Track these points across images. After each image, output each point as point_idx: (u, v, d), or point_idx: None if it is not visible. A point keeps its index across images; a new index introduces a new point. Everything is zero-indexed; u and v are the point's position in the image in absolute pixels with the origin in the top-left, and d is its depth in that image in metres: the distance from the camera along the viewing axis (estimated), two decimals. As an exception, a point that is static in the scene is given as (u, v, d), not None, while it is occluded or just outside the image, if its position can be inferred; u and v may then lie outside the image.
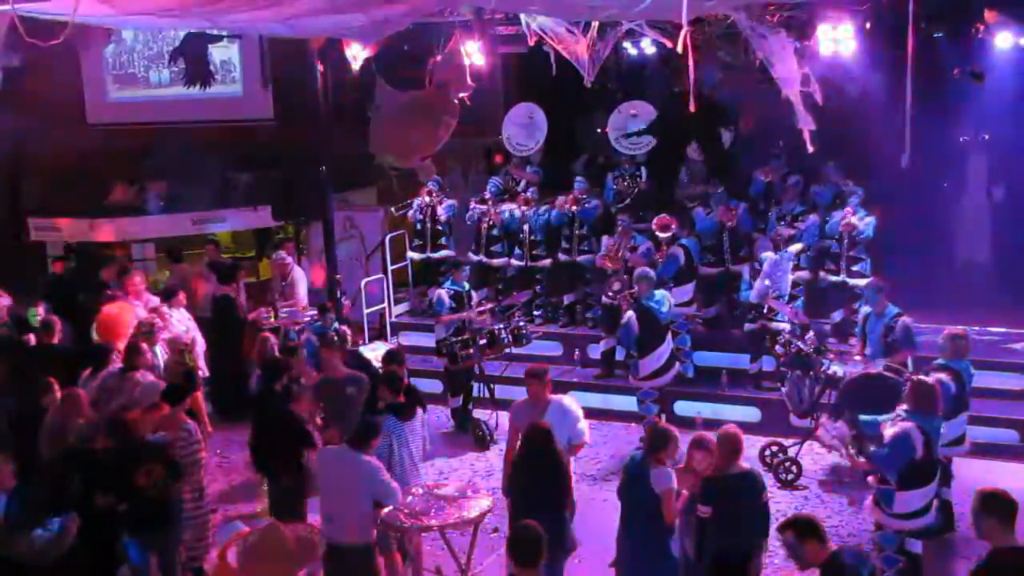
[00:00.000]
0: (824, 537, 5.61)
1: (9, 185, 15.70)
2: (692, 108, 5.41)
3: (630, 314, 10.71)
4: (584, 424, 8.05)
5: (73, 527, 6.81)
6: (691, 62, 5.03)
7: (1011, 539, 5.46)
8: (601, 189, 13.67)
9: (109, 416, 7.91)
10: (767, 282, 11.03)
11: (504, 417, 11.53)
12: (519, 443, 7.53)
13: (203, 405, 10.31)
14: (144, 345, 9.72)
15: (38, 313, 11.08)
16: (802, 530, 5.60)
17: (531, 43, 10.51)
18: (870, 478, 7.66)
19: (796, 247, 11.62)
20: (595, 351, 12.64)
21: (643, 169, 13.58)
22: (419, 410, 8.24)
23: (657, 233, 11.90)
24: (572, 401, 8.24)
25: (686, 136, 13.35)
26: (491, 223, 13.49)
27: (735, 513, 6.66)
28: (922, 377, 7.81)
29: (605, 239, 12.38)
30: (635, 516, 6.93)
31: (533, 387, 8.07)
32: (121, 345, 9.89)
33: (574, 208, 12.94)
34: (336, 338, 10.93)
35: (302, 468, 8.46)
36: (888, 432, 7.32)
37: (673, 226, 11.90)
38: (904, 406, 7.43)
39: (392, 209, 14.29)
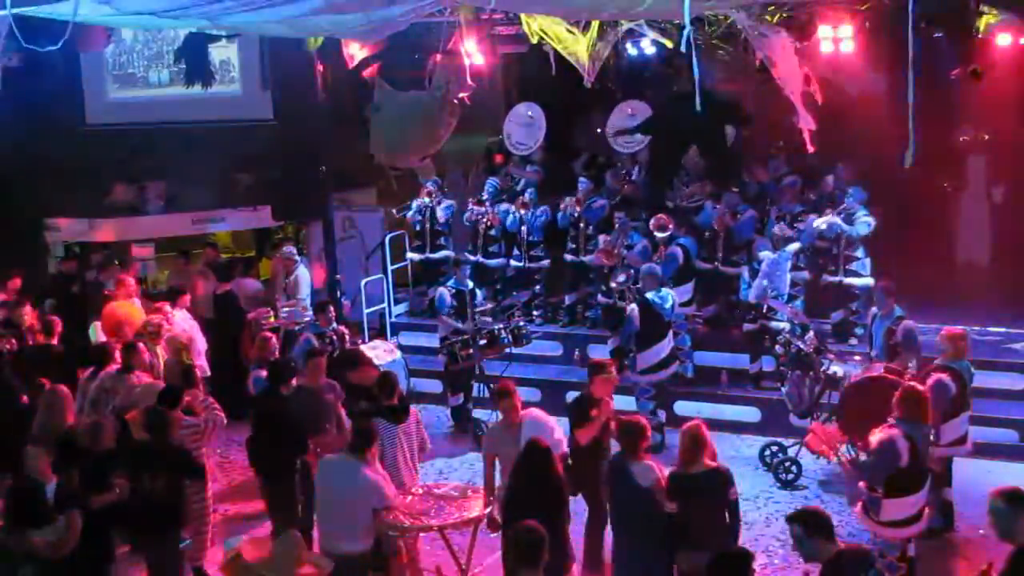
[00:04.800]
0: (832, 535, 5.60)
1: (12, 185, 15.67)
2: (699, 107, 5.41)
3: (633, 307, 10.79)
4: (560, 433, 7.84)
5: (77, 523, 6.84)
6: (694, 61, 5.02)
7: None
8: (598, 188, 13.70)
9: (150, 409, 7.92)
10: (765, 282, 11.04)
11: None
12: (517, 463, 7.29)
13: (200, 402, 10.23)
14: (142, 345, 9.71)
15: (26, 314, 11.03)
16: (812, 525, 5.59)
17: (532, 43, 10.51)
18: (860, 484, 7.64)
19: (793, 247, 11.63)
20: (601, 351, 12.60)
21: (637, 167, 13.58)
22: (413, 411, 8.23)
23: (655, 233, 11.92)
24: (543, 413, 8.01)
25: (687, 136, 13.35)
26: (488, 224, 13.49)
27: (701, 511, 6.65)
28: (912, 384, 7.79)
29: (602, 237, 12.39)
30: (625, 516, 6.92)
31: (504, 405, 7.88)
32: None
33: (578, 209, 12.94)
34: (334, 338, 10.94)
35: (299, 472, 8.46)
36: (874, 439, 7.32)
37: (670, 226, 11.91)
38: (894, 413, 7.42)
39: (393, 211, 14.29)
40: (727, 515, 6.76)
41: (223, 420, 8.65)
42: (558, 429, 7.88)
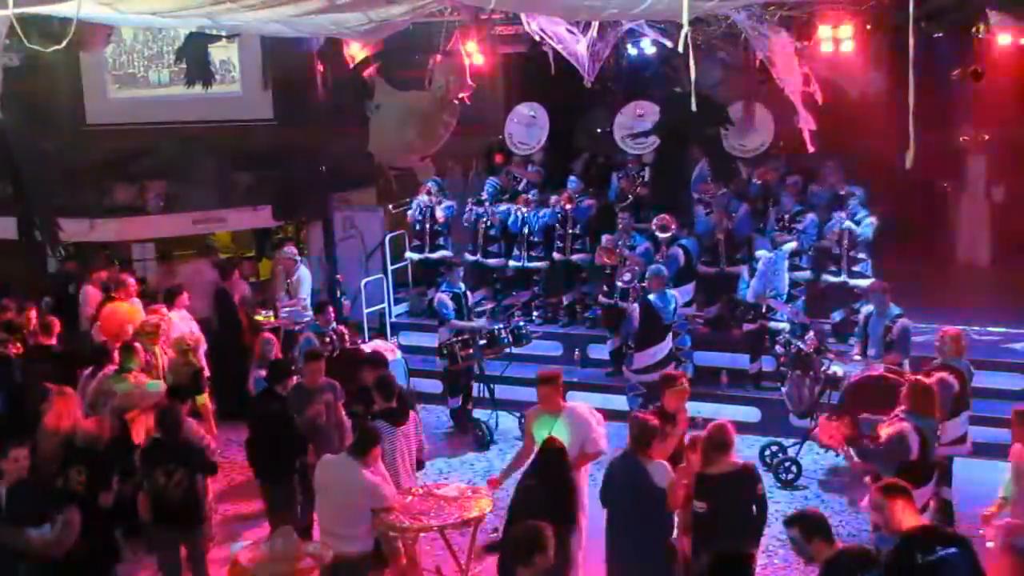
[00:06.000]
0: (830, 536, 5.61)
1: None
2: (694, 107, 5.42)
3: (634, 306, 10.84)
4: (600, 431, 7.85)
5: (75, 521, 6.85)
6: (692, 62, 5.00)
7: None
8: (600, 188, 13.68)
9: (163, 407, 7.98)
10: (762, 282, 11.05)
11: (504, 417, 11.60)
12: (533, 457, 7.41)
13: (209, 407, 10.23)
14: (139, 345, 9.70)
15: (31, 317, 11.02)
16: (810, 529, 5.61)
17: (532, 42, 10.51)
18: (867, 478, 7.65)
19: (790, 246, 11.65)
20: (600, 351, 12.63)
21: (647, 169, 13.58)
22: (412, 414, 8.22)
23: (656, 233, 11.92)
24: (588, 408, 8.02)
25: (691, 136, 13.35)
26: (488, 223, 13.49)
27: (730, 509, 6.65)
28: (920, 378, 7.80)
29: (605, 237, 12.39)
30: (634, 515, 6.88)
31: (544, 392, 7.90)
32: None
33: (568, 207, 12.94)
34: (334, 338, 10.92)
35: (298, 472, 8.46)
36: (884, 432, 7.32)
37: (672, 227, 11.91)
38: (902, 407, 7.43)
39: (390, 207, 14.28)
40: (754, 511, 6.76)
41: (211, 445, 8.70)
42: (597, 429, 7.85)
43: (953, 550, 5.43)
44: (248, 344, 12.02)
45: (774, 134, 13.05)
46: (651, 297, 10.74)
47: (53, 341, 10.49)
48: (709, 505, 6.65)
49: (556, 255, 13.10)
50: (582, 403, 8.25)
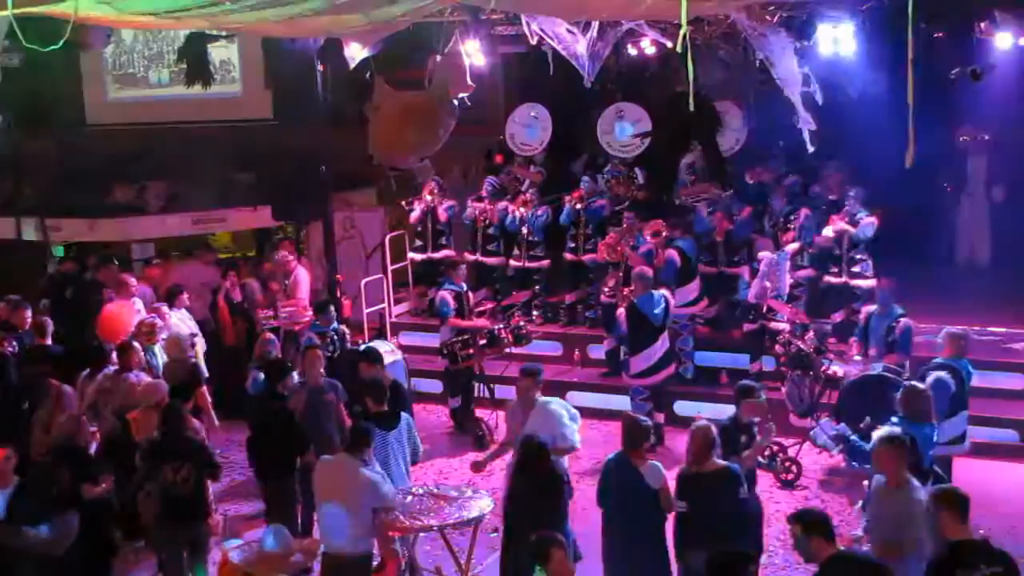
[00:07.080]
0: (830, 535, 5.62)
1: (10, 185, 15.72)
2: (691, 107, 5.43)
3: (620, 312, 10.87)
4: (572, 428, 7.97)
5: (74, 520, 6.86)
6: (690, 63, 5.01)
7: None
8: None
9: (167, 405, 8.03)
10: (766, 283, 11.04)
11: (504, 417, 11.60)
12: (515, 458, 7.46)
13: (208, 401, 10.26)
14: (137, 345, 9.70)
15: (25, 316, 11.02)
16: (810, 526, 5.64)
17: (532, 43, 10.51)
18: (865, 482, 7.64)
19: (792, 247, 11.63)
20: (598, 351, 12.63)
21: (637, 171, 13.56)
22: (405, 416, 8.21)
23: (648, 239, 11.88)
24: (561, 404, 8.18)
25: (687, 137, 13.32)
26: (488, 222, 13.49)
27: (710, 510, 6.66)
28: (914, 383, 7.80)
29: (610, 235, 12.36)
30: (629, 516, 6.90)
31: (521, 385, 8.14)
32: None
33: (579, 206, 12.93)
34: (335, 338, 10.92)
35: (298, 473, 8.46)
36: (875, 437, 7.32)
37: (664, 232, 11.88)
38: (898, 411, 7.44)
39: (403, 203, 14.28)
40: (737, 513, 6.76)
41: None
42: (570, 424, 7.96)
43: (999, 570, 5.33)
44: (232, 346, 12.08)
45: (747, 134, 13.06)
46: (635, 300, 10.72)
47: (47, 341, 10.49)
48: (689, 504, 6.69)
49: (568, 255, 13.10)
50: (556, 399, 8.40)
